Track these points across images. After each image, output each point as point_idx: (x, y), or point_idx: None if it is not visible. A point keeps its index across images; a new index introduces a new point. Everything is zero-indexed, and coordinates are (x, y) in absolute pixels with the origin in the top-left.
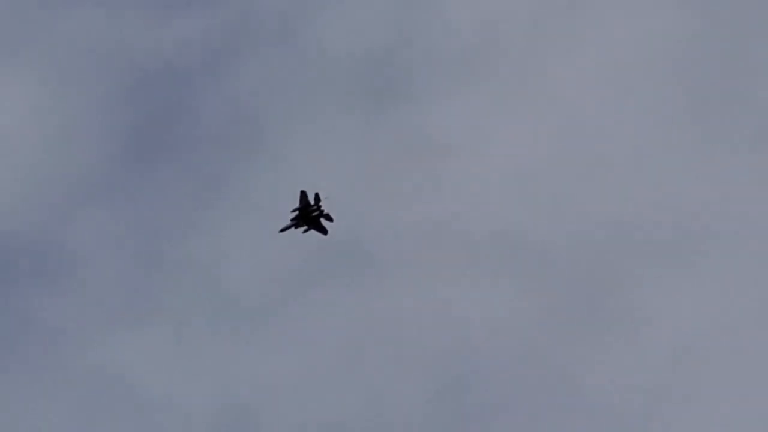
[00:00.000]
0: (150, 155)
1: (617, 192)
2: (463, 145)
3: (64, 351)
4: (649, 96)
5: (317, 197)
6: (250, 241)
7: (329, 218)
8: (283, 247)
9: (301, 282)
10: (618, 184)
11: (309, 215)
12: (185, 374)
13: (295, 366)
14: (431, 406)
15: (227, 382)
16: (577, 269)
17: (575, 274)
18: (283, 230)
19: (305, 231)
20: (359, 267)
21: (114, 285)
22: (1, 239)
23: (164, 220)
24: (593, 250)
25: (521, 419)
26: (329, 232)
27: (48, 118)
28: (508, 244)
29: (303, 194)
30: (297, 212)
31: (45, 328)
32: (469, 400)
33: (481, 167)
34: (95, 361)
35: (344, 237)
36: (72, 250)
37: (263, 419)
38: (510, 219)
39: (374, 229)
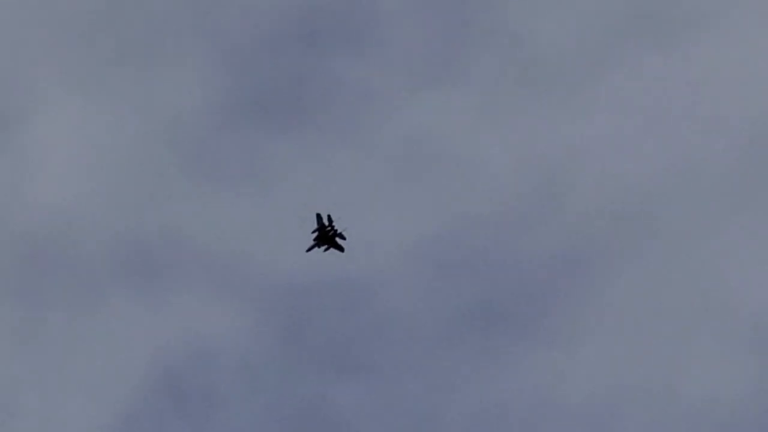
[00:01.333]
0: None
1: None
2: None
3: (372, 114)
4: None
5: (330, 218)
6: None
7: (342, 236)
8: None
9: (610, 46)
10: None
11: (326, 235)
12: (491, 138)
13: (604, 130)
14: (740, 167)
15: (534, 146)
16: None
17: None
18: (308, 250)
19: (326, 250)
20: (668, 32)
21: (423, 49)
22: (306, 7)
23: None
24: None
25: None
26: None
27: None
28: None
29: (318, 217)
30: (316, 233)
31: (353, 92)
32: None
33: None
34: (403, 124)
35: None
36: (381, 16)
37: (572, 182)
38: None
39: None
